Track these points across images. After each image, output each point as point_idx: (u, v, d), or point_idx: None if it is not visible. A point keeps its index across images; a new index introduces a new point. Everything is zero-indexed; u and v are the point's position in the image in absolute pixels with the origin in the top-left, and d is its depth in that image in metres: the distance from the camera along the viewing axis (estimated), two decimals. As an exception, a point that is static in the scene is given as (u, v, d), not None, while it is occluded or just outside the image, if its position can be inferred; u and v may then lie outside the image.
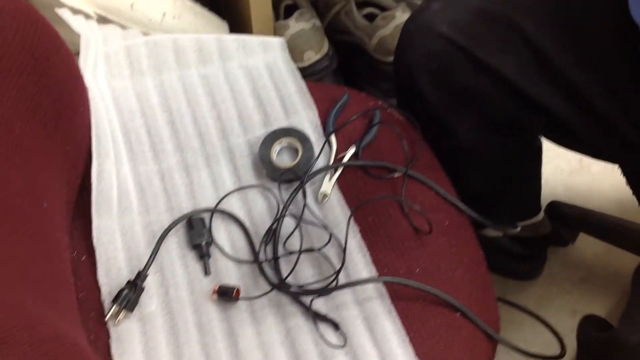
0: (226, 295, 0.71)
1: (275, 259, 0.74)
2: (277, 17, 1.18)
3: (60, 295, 0.58)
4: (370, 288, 0.73)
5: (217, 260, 0.75)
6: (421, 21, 0.82)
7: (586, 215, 1.17)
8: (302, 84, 0.89)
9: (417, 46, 0.83)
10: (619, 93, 0.73)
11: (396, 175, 0.82)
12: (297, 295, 0.72)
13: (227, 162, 0.82)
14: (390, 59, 1.14)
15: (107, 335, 0.69)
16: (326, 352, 0.69)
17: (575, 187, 1.33)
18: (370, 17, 1.20)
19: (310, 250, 0.75)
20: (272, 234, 0.76)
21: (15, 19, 0.61)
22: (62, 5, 0.86)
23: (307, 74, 1.12)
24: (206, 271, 0.74)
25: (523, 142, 0.95)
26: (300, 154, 0.81)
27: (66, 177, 0.69)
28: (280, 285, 0.72)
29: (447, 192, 0.82)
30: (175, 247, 0.76)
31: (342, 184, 0.81)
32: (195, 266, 0.75)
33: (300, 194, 0.79)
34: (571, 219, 1.20)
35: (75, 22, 0.85)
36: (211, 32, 1.02)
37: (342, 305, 0.72)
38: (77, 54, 0.82)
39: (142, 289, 0.71)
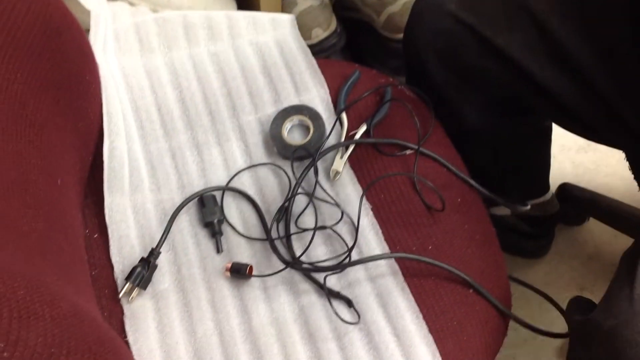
0: (239, 272, 0.71)
1: (288, 236, 0.74)
2: (284, -7, 1.17)
3: (77, 272, 0.58)
4: (383, 265, 0.73)
5: (229, 238, 0.75)
6: None
7: (596, 200, 1.17)
8: (313, 61, 0.88)
9: (425, 24, 0.83)
10: (625, 78, 0.72)
11: (408, 152, 0.81)
12: (310, 272, 0.72)
13: (237, 140, 0.82)
14: (399, 36, 1.14)
15: (121, 313, 0.69)
16: (340, 328, 0.69)
17: (583, 165, 1.32)
18: (378, -6, 1.19)
19: (322, 227, 0.75)
20: (284, 212, 0.76)
21: (26, -5, 0.60)
22: (69, -18, 0.85)
23: (315, 51, 1.11)
24: (218, 249, 0.74)
25: (530, 123, 0.95)
26: (311, 131, 0.81)
27: (78, 154, 0.69)
28: (294, 263, 0.72)
29: (459, 170, 0.82)
30: (187, 225, 0.76)
31: (354, 162, 0.81)
32: (208, 244, 0.75)
33: (311, 172, 0.79)
34: (581, 203, 1.20)
35: (85, -1, 0.85)
36: (219, 9, 1.01)
37: (355, 282, 0.72)
38: (87, 31, 0.81)
39: (155, 267, 0.71)
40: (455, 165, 0.82)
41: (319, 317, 0.70)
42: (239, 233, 0.75)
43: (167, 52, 0.87)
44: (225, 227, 0.76)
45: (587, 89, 0.75)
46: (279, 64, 0.88)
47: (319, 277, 0.71)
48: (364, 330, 0.69)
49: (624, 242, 1.20)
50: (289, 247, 0.74)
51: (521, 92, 0.81)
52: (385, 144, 0.82)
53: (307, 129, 0.82)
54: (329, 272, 0.71)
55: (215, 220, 0.75)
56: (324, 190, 0.78)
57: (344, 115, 0.83)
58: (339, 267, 0.71)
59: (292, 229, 0.75)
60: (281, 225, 0.76)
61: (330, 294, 0.70)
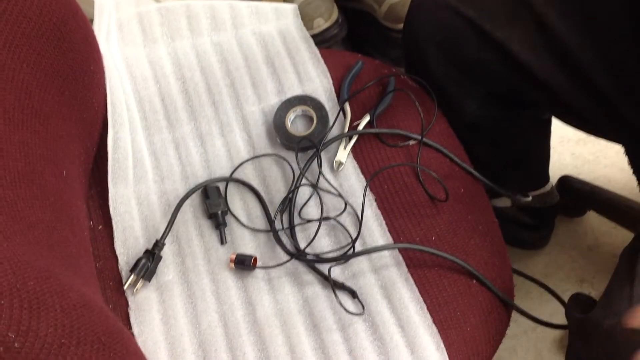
0: (243, 263, 0.71)
1: (292, 227, 0.74)
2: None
3: (82, 264, 0.58)
4: (387, 256, 0.73)
5: (233, 229, 0.75)
6: None
7: (595, 193, 1.17)
8: (316, 51, 0.88)
9: (424, 16, 0.83)
10: (623, 73, 0.73)
11: (411, 143, 0.81)
12: (314, 263, 0.72)
13: (241, 131, 0.82)
14: (400, 26, 1.13)
15: (126, 305, 0.69)
16: (344, 319, 0.69)
17: (582, 156, 1.33)
18: (380, -16, 1.18)
19: (327, 218, 0.75)
20: (287, 203, 0.76)
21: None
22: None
23: (317, 41, 1.09)
24: (222, 240, 0.74)
25: (530, 115, 0.95)
26: (314, 122, 0.81)
27: (83, 145, 0.69)
28: (298, 255, 0.72)
29: (462, 160, 0.82)
30: (191, 216, 0.75)
31: (357, 152, 0.81)
32: (212, 235, 0.74)
33: (315, 163, 0.79)
34: (581, 195, 1.20)
35: (87, -12, 0.84)
36: (221, -2, 1.00)
37: (359, 273, 0.72)
38: (90, 21, 0.81)
39: (159, 258, 0.71)
40: (458, 156, 0.82)
41: (323, 308, 0.70)
42: (242, 224, 0.75)
43: (170, 42, 0.87)
44: (229, 218, 0.76)
45: (586, 84, 0.75)
46: (282, 53, 0.87)
47: (323, 268, 0.72)
48: (369, 321, 0.69)
49: (624, 234, 1.20)
50: (293, 238, 0.74)
51: (520, 85, 0.81)
52: (388, 135, 0.82)
53: (311, 119, 0.82)
54: (333, 263, 0.72)
55: (219, 212, 0.75)
56: (328, 181, 0.78)
57: (347, 106, 0.83)
58: (343, 258, 0.72)
59: (296, 219, 0.75)
60: (285, 216, 0.76)
61: (335, 285, 0.70)
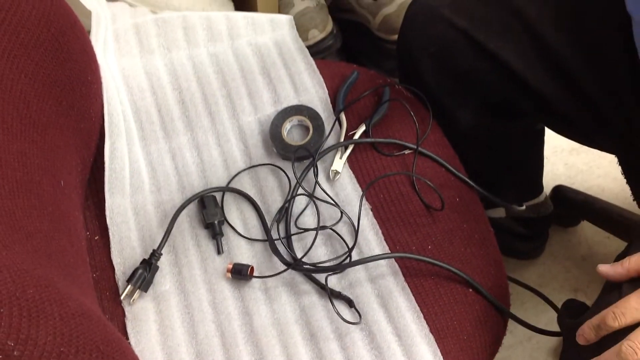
0: (240, 273, 0.71)
1: (288, 237, 0.75)
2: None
3: (80, 274, 0.58)
4: (383, 265, 0.73)
5: (230, 239, 0.75)
6: (423, 3, 0.83)
7: (589, 202, 1.18)
8: (311, 61, 0.89)
9: (418, 28, 0.84)
10: (614, 84, 0.74)
11: (407, 152, 0.82)
12: (311, 272, 0.72)
13: (237, 141, 0.82)
14: (394, 37, 1.14)
15: (122, 315, 0.69)
16: (341, 328, 0.69)
17: (575, 166, 1.33)
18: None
19: (323, 228, 0.75)
20: (284, 212, 0.76)
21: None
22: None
23: (312, 52, 1.10)
24: (219, 250, 0.74)
25: (523, 126, 0.96)
26: (310, 131, 0.81)
27: (80, 155, 0.69)
28: (295, 264, 0.72)
29: (457, 169, 0.82)
30: (188, 226, 0.75)
31: (353, 162, 0.81)
32: (208, 245, 0.75)
33: (311, 172, 0.79)
34: (574, 205, 1.21)
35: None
36: (217, 10, 1.01)
37: (356, 282, 0.72)
38: (87, 32, 0.81)
39: (156, 268, 0.71)
40: (453, 165, 0.82)
41: (320, 317, 0.70)
42: (239, 234, 0.75)
43: (166, 53, 0.87)
44: (225, 228, 0.76)
45: (578, 94, 0.76)
46: (277, 64, 0.88)
47: (320, 277, 0.72)
48: (366, 330, 0.69)
49: (617, 243, 1.21)
50: (290, 247, 0.74)
51: (514, 95, 0.82)
52: (384, 144, 0.82)
53: (307, 129, 0.82)
54: (330, 273, 0.72)
55: (216, 221, 0.75)
56: (324, 191, 0.78)
57: (342, 116, 0.83)
58: (340, 268, 0.72)
59: (293, 229, 0.75)
60: (281, 226, 0.76)
61: (332, 294, 0.71)
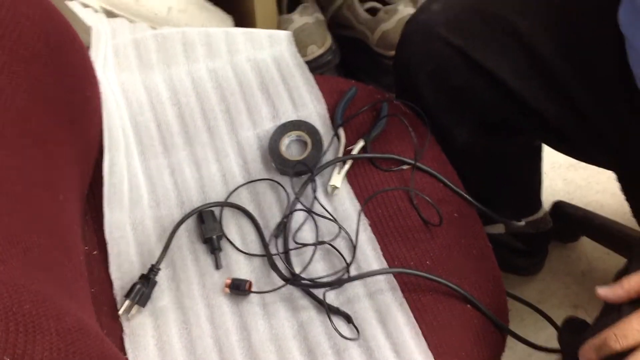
0: (239, 288, 0.71)
1: (287, 252, 0.74)
2: (280, 11, 1.18)
3: (78, 289, 0.58)
4: (381, 280, 0.73)
5: (228, 254, 0.75)
6: (420, 22, 0.83)
7: (588, 218, 1.18)
8: (310, 77, 0.89)
9: (415, 47, 0.84)
10: (610, 102, 0.74)
11: (405, 167, 0.82)
12: (309, 288, 0.72)
13: (236, 156, 0.82)
14: (392, 53, 1.15)
15: (120, 330, 0.69)
16: (339, 344, 0.69)
17: (574, 182, 1.34)
18: (373, 12, 1.20)
19: (321, 243, 0.75)
20: (282, 227, 0.76)
21: (30, 8, 0.60)
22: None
23: (310, 68, 1.10)
24: (217, 265, 0.74)
25: (520, 142, 0.96)
26: (309, 147, 0.81)
27: (79, 170, 0.69)
28: (294, 280, 0.72)
29: (455, 185, 0.82)
30: (186, 241, 0.75)
31: (351, 177, 0.81)
32: (206, 260, 0.74)
33: (309, 187, 0.79)
34: (574, 221, 1.21)
35: (86, 15, 0.85)
36: (216, 25, 1.02)
37: (354, 298, 0.72)
38: (87, 47, 0.82)
39: (154, 283, 0.71)
40: (451, 181, 0.82)
41: (318, 333, 0.70)
42: (237, 249, 0.75)
43: (165, 68, 0.88)
44: (224, 243, 0.76)
45: (575, 112, 0.76)
46: (276, 79, 0.88)
47: (318, 292, 0.72)
48: (364, 346, 0.69)
49: (617, 259, 1.21)
50: (288, 262, 0.74)
51: (511, 113, 0.83)
52: (382, 159, 0.82)
53: (305, 144, 0.82)
54: (328, 288, 0.72)
55: (215, 236, 0.75)
56: (322, 206, 0.78)
57: (341, 131, 0.84)
58: (338, 283, 0.72)
59: (291, 244, 0.75)
60: (280, 241, 0.76)
61: (330, 310, 0.70)
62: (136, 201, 0.76)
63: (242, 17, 1.08)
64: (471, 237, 0.79)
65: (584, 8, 0.75)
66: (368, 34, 1.19)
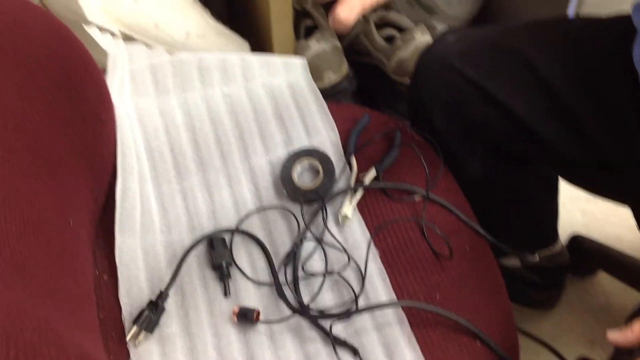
0: (246, 317, 0.70)
1: (295, 281, 0.74)
2: (297, 37, 1.19)
3: (84, 315, 0.58)
4: (389, 313, 0.72)
5: (237, 282, 0.75)
6: (435, 53, 0.83)
7: (606, 253, 1.16)
8: (324, 104, 0.89)
9: (430, 77, 0.84)
10: (624, 136, 0.73)
11: (416, 198, 0.81)
12: (317, 319, 0.71)
13: (248, 182, 0.82)
14: (409, 80, 1.15)
15: (127, 356, 0.68)
16: (346, 377, 0.68)
17: (592, 214, 1.32)
18: (390, 39, 1.20)
19: (330, 273, 0.75)
20: (292, 256, 0.76)
21: (46, 34, 0.61)
22: (89, 23, 0.87)
23: (327, 94, 1.11)
24: (226, 292, 0.73)
25: (535, 174, 0.95)
26: (321, 174, 0.81)
27: (92, 194, 0.69)
28: (301, 311, 0.71)
29: (468, 217, 0.81)
30: (196, 267, 0.75)
31: (363, 206, 0.81)
32: (216, 287, 0.74)
33: (320, 216, 0.79)
34: (591, 255, 1.19)
35: (103, 40, 0.86)
36: (233, 51, 1.03)
37: (362, 330, 0.71)
38: (103, 70, 0.83)
39: (163, 310, 0.71)
40: (464, 212, 0.81)
41: (324, 365, 0.69)
42: (246, 277, 0.75)
43: (181, 93, 0.88)
44: (233, 270, 0.75)
45: (590, 147, 0.76)
46: (290, 106, 0.89)
47: (326, 323, 0.71)
48: (370, 379, 0.68)
49: (635, 294, 1.18)
50: (296, 292, 0.73)
51: (524, 145, 0.82)
52: (394, 189, 0.82)
53: (317, 172, 0.82)
54: (335, 320, 0.71)
55: (224, 263, 0.74)
56: (332, 235, 0.77)
57: (353, 159, 0.83)
58: (346, 315, 0.71)
59: (300, 272, 0.75)
60: (289, 269, 0.76)
61: (336, 342, 0.69)
62: (148, 226, 0.77)
63: (259, 42, 1.08)
64: (482, 270, 0.78)
65: (599, 43, 0.74)
66: (385, 61, 1.19)
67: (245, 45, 1.06)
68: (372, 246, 0.77)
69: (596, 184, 0.84)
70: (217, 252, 0.75)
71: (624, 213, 1.29)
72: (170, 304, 0.72)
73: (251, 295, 0.74)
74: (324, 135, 0.87)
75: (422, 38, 1.14)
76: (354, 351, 0.69)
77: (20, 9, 0.59)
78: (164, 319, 0.71)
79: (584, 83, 0.74)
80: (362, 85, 1.23)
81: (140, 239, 0.75)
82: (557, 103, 0.76)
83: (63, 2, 0.89)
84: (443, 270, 0.76)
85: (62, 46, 0.64)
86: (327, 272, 0.75)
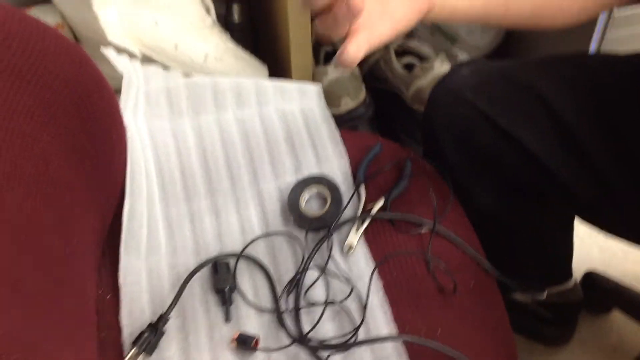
0: (245, 344, 0.70)
1: (297, 310, 0.74)
2: (317, 62, 1.19)
3: (81, 336, 0.59)
4: (389, 347, 0.71)
5: (239, 307, 0.75)
6: (449, 84, 0.83)
7: (620, 291, 1.14)
8: (336, 131, 0.89)
9: (442, 109, 0.84)
10: (638, 175, 0.72)
11: (423, 231, 0.81)
12: (316, 349, 0.71)
13: (256, 207, 0.83)
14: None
15: (125, 377, 0.69)
16: (342, 410, 0.68)
17: (610, 250, 1.29)
18: (409, 67, 1.20)
19: (331, 303, 0.74)
20: (295, 284, 0.76)
21: (60, 56, 0.62)
22: (108, 43, 0.89)
23: (343, 120, 1.12)
24: (227, 318, 0.73)
25: (547, 209, 0.94)
26: (328, 203, 0.81)
27: (100, 214, 0.70)
28: (301, 340, 0.71)
29: (475, 251, 0.80)
30: (199, 290, 0.76)
31: (369, 236, 0.81)
32: (217, 312, 0.74)
33: (325, 245, 0.79)
34: (605, 293, 1.17)
35: (119, 62, 0.88)
36: (251, 75, 1.03)
37: (361, 362, 0.71)
38: (118, 90, 0.84)
39: (162, 333, 0.71)
40: (472, 246, 0.81)
41: (321, 396, 0.68)
42: (248, 303, 0.75)
43: (195, 115, 0.89)
44: (235, 295, 0.76)
45: (602, 184, 0.75)
46: (302, 132, 0.89)
47: (324, 354, 0.70)
48: (366, 414, 0.67)
49: (650, 334, 1.16)
50: (297, 320, 0.73)
51: (536, 179, 0.81)
52: (401, 220, 0.81)
53: (325, 200, 0.82)
54: (334, 352, 0.70)
55: (227, 288, 0.74)
56: (336, 265, 0.77)
57: (362, 188, 0.83)
58: (344, 347, 0.70)
59: (302, 301, 0.75)
60: (292, 297, 0.75)
61: (334, 374, 0.69)
62: (153, 247, 0.77)
63: (278, 66, 1.09)
64: (487, 307, 0.77)
65: (613, 77, 0.73)
66: (403, 89, 1.19)
67: (263, 69, 1.06)
68: (376, 277, 0.77)
69: (609, 222, 0.82)
70: (220, 276, 0.75)
71: (642, 251, 1.27)
72: (171, 326, 0.72)
73: (252, 321, 0.74)
74: (334, 162, 0.87)
75: (441, 68, 1.14)
76: (351, 384, 0.68)
77: (34, 31, 0.60)
78: (164, 341, 0.71)
79: (598, 118, 0.73)
80: (379, 112, 1.23)
81: (145, 260, 0.76)
82: (569, 139, 0.75)
83: (85, 22, 0.91)
84: (446, 305, 0.75)
85: (74, 68, 0.65)
86: (328, 302, 0.74)
